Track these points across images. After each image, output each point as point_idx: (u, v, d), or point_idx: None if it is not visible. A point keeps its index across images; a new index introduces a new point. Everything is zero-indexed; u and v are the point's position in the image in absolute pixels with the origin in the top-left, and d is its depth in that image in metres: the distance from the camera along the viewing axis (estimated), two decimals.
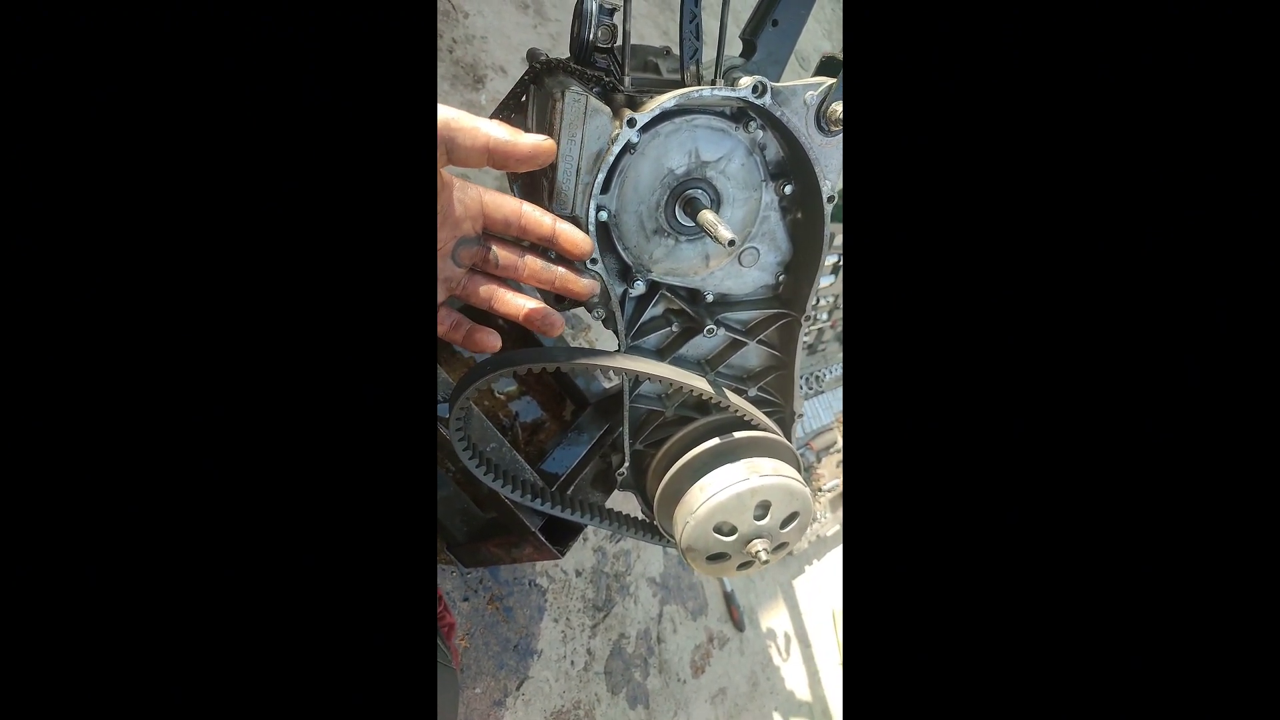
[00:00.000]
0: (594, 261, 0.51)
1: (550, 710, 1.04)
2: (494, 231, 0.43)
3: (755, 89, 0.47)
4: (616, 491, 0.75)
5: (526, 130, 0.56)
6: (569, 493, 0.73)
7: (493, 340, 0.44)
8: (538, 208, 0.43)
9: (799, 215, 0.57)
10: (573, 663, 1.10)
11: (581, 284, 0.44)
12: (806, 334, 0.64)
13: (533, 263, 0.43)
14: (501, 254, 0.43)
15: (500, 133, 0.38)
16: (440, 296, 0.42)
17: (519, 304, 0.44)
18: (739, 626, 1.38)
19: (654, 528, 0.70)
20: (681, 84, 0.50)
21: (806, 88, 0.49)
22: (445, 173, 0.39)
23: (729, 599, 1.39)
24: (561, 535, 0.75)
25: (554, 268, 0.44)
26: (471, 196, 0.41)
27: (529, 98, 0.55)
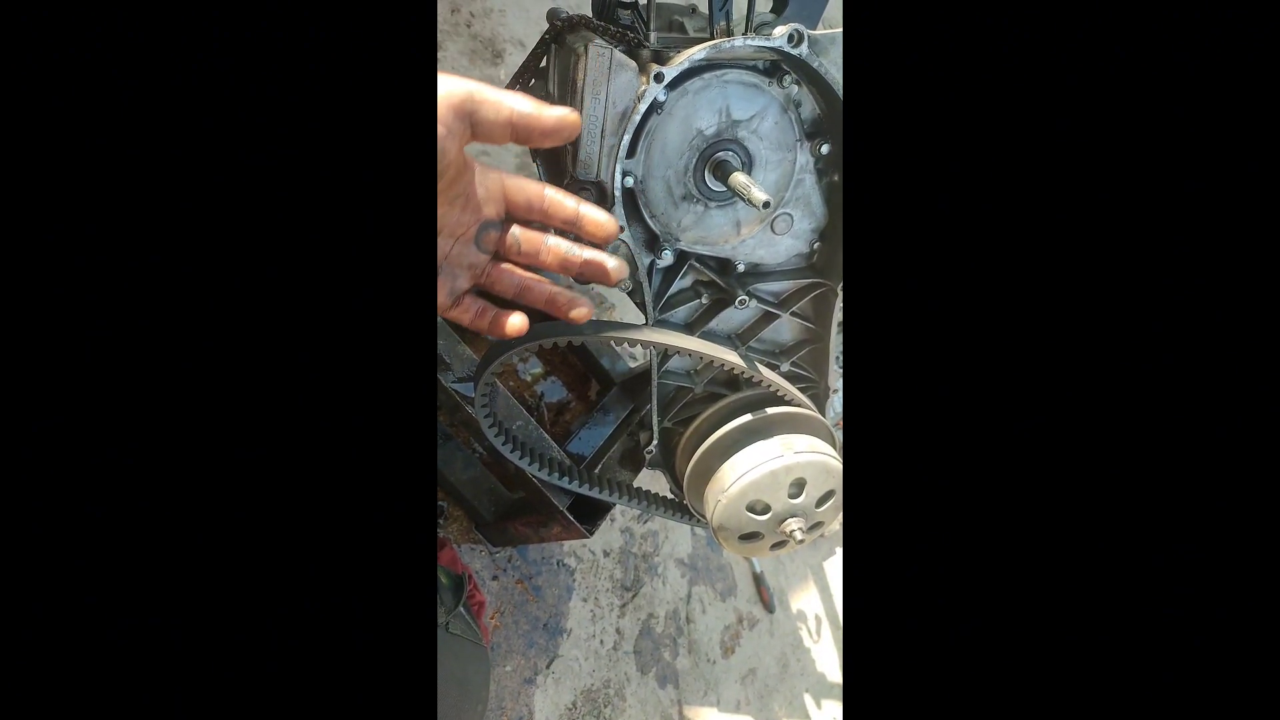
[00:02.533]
0: (620, 230, 0.49)
1: (580, 688, 1.04)
2: (516, 215, 0.41)
3: (791, 38, 0.44)
4: (645, 470, 0.74)
5: (548, 95, 0.54)
6: (596, 471, 0.72)
7: (520, 323, 0.42)
8: (560, 190, 0.41)
9: (836, 178, 0.53)
10: (602, 642, 1.10)
11: (610, 267, 0.41)
12: (841, 309, 0.61)
13: (557, 247, 0.41)
14: (524, 238, 0.41)
15: (525, 105, 0.36)
16: (465, 283, 0.41)
17: (544, 290, 0.42)
18: (769, 608, 1.37)
19: (683, 507, 0.68)
20: (711, 39, 0.47)
21: None
22: (467, 155, 0.37)
23: (759, 580, 1.37)
24: (589, 514, 0.74)
25: (579, 251, 0.41)
26: (493, 180, 0.39)
27: (549, 60, 0.53)
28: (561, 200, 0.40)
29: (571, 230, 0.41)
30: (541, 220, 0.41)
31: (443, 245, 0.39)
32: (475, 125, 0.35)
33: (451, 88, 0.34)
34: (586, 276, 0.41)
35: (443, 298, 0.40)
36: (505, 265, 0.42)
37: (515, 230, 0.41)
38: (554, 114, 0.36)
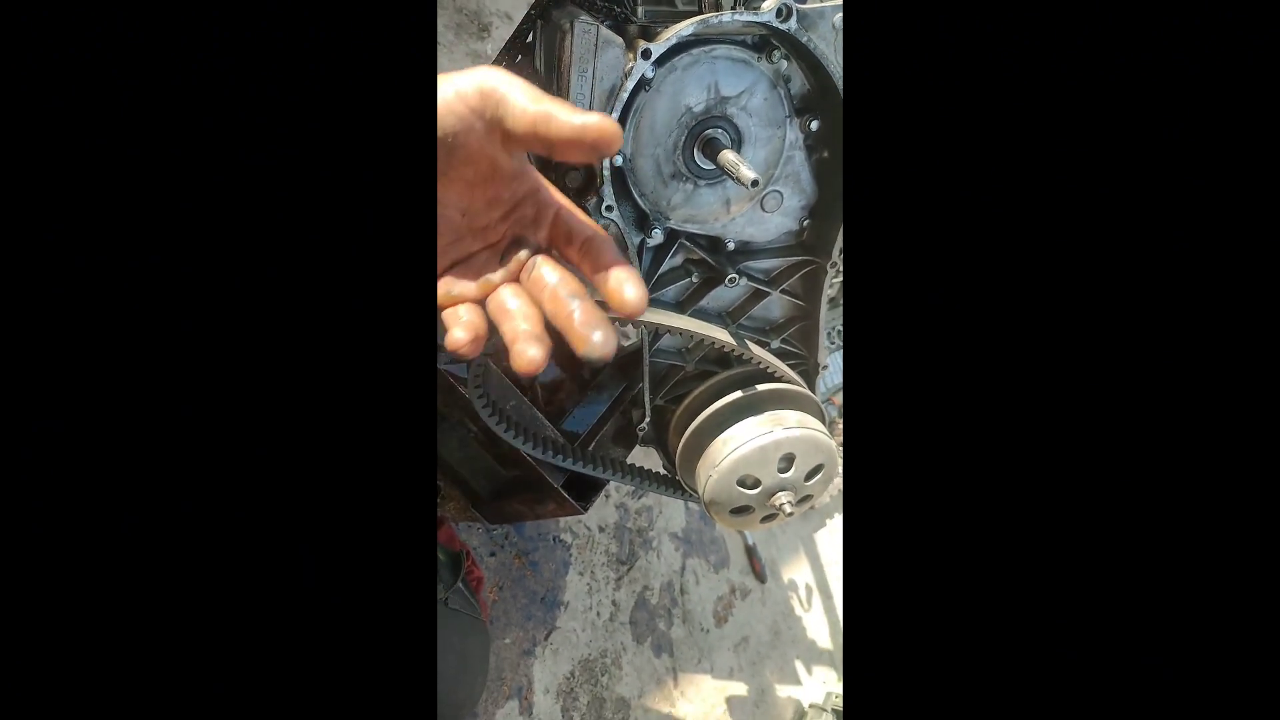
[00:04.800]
0: (609, 209, 0.49)
1: (578, 659, 1.07)
2: (555, 244, 0.36)
3: (779, 12, 0.44)
4: (638, 448, 0.75)
5: (535, 72, 0.53)
6: (590, 449, 0.73)
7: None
8: (608, 240, 0.36)
9: (825, 154, 0.53)
10: (598, 614, 1.12)
11: (594, 340, 0.33)
12: (831, 285, 0.61)
13: (562, 297, 0.35)
14: (540, 271, 0.36)
15: (548, 107, 0.32)
16: (472, 294, 0.36)
17: (514, 328, 0.35)
18: (761, 578, 1.40)
19: (676, 482, 0.70)
20: (699, 13, 0.47)
21: (835, 9, 0.45)
22: (519, 160, 0.34)
23: (751, 552, 1.40)
24: (584, 491, 0.75)
25: (569, 305, 0.34)
26: (545, 199, 0.36)
27: (535, 35, 0.52)
28: (609, 254, 0.35)
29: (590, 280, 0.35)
30: (578, 258, 0.36)
31: (468, 244, 0.35)
32: (501, 125, 0.32)
33: (487, 78, 0.31)
34: (565, 334, 0.34)
35: (439, 292, 0.35)
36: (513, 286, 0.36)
37: (542, 260, 0.36)
38: (580, 118, 0.32)
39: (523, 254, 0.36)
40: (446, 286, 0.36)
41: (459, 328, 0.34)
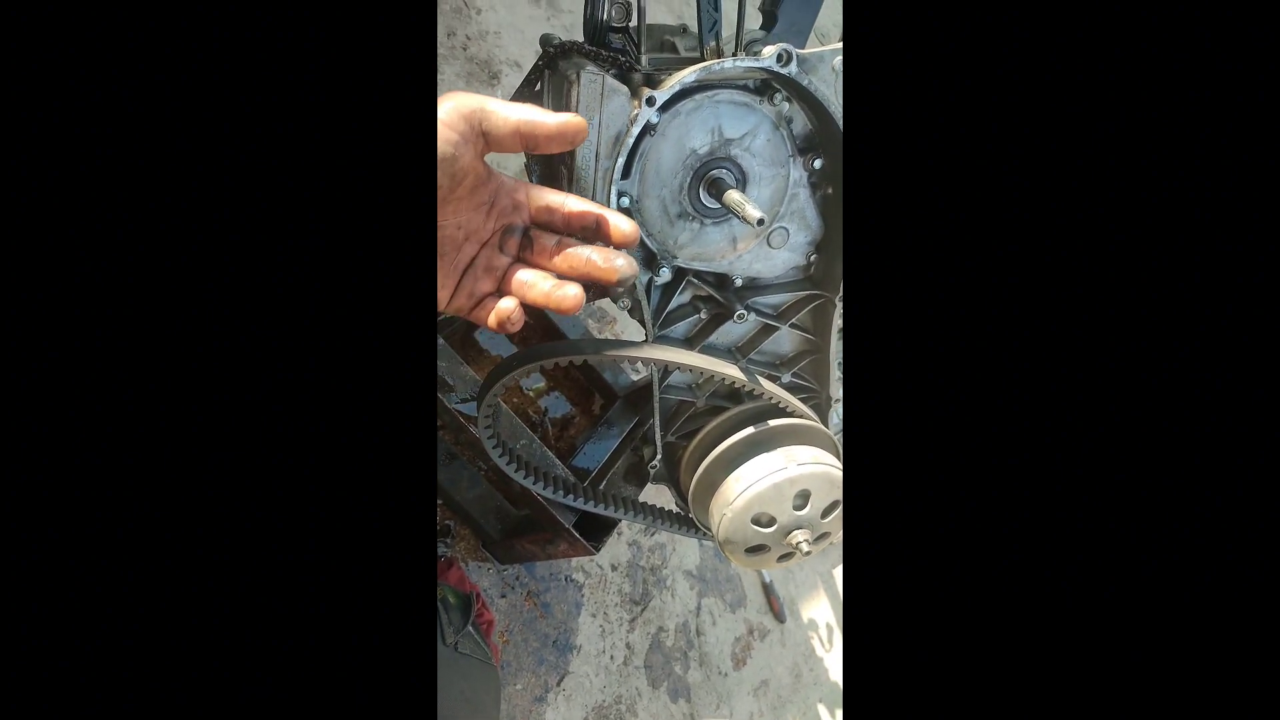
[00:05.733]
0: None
1: (592, 705, 1.04)
2: (540, 222, 0.42)
3: (780, 57, 0.45)
4: (650, 485, 0.74)
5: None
6: (601, 488, 0.72)
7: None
8: (583, 198, 0.42)
9: (830, 190, 0.54)
10: (612, 657, 1.09)
11: (618, 265, 0.40)
12: (840, 318, 0.61)
13: (570, 249, 0.41)
14: (540, 242, 0.41)
15: (529, 113, 0.38)
16: (487, 286, 0.41)
17: (581, 255, 0.40)
18: (779, 618, 1.36)
19: (689, 521, 0.68)
20: (701, 59, 0.48)
21: (834, 53, 0.46)
22: (489, 165, 0.39)
23: (768, 590, 1.37)
24: (595, 531, 0.74)
25: (588, 252, 0.40)
26: (518, 188, 0.41)
27: (543, 85, 0.54)
28: (585, 207, 0.41)
29: (593, 237, 0.41)
30: (564, 226, 0.41)
31: (468, 250, 0.40)
32: (486, 134, 0.37)
33: (463, 101, 0.36)
34: (594, 276, 0.40)
35: (463, 300, 0.41)
36: (519, 266, 0.41)
37: (535, 235, 0.42)
38: (557, 118, 0.38)
39: (515, 236, 0.41)
40: (468, 289, 0.41)
41: (493, 315, 0.40)
